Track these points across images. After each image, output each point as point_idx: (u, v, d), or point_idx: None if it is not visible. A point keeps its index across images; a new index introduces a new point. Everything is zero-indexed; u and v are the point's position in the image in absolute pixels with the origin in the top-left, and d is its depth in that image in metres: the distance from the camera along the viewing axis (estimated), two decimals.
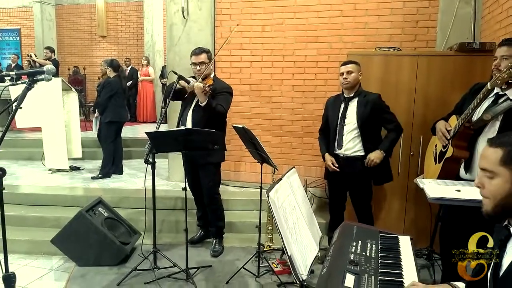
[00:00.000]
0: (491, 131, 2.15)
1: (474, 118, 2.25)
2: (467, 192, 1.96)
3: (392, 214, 3.48)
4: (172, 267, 2.99)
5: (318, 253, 1.94)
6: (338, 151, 3.05)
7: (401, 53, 3.43)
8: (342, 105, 3.04)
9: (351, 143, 3.00)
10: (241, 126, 2.98)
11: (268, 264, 3.10)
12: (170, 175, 4.73)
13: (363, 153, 2.97)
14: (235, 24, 4.43)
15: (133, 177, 4.99)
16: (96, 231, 3.19)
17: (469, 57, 3.15)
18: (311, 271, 2.83)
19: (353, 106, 3.00)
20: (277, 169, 3.07)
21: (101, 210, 3.42)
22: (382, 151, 2.93)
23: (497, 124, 2.15)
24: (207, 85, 3.06)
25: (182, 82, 3.11)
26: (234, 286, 2.89)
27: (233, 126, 3.11)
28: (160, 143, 2.82)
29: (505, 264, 1.14)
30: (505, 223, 1.18)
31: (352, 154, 3.00)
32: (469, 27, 3.66)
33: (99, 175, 4.93)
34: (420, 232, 3.29)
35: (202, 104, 3.07)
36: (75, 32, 11.46)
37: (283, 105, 4.42)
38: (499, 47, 2.21)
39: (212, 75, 3.34)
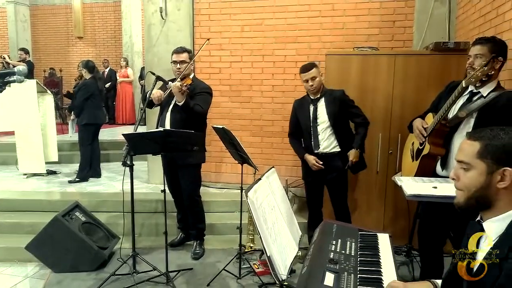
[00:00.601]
0: (466, 128, 2.19)
1: (450, 115, 2.28)
2: (443, 188, 1.99)
3: (371, 212, 3.52)
4: (151, 270, 2.93)
5: (298, 252, 1.94)
6: (316, 151, 3.07)
7: (378, 53, 3.47)
8: (311, 107, 3.07)
9: (327, 142, 3.05)
10: (221, 126, 2.95)
11: (249, 265, 3.08)
12: (150, 178, 4.66)
13: (339, 149, 3.04)
14: (214, 24, 4.41)
15: (111, 180, 4.89)
16: (73, 236, 3.10)
17: (445, 56, 3.22)
18: (293, 271, 2.84)
19: (321, 106, 3.04)
20: (257, 169, 3.05)
21: (78, 215, 3.34)
22: (357, 149, 3.02)
23: (472, 121, 2.19)
24: (185, 84, 3.02)
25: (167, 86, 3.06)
26: None
27: (212, 127, 3.08)
28: (137, 145, 2.77)
29: (478, 259, 1.15)
30: (477, 219, 1.19)
31: (330, 151, 3.05)
32: (444, 27, 3.73)
33: (76, 179, 4.81)
34: (399, 229, 3.34)
35: (180, 104, 3.03)
36: (51, 33, 11.19)
37: (263, 106, 4.41)
38: (472, 46, 2.25)
39: (191, 76, 3.31)
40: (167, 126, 3.16)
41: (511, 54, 2.37)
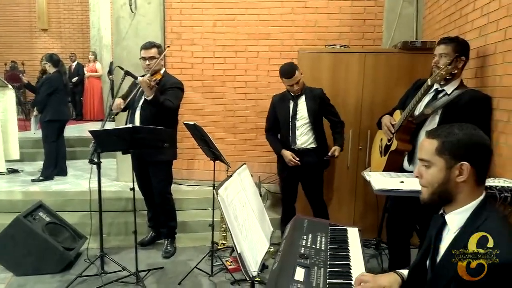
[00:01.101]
0: (432, 124, 2.26)
1: (416, 112, 2.35)
2: (410, 183, 2.04)
3: (342, 207, 3.58)
4: (121, 271, 2.86)
5: (270, 248, 1.94)
6: (293, 146, 3.09)
7: (349, 51, 3.52)
8: (291, 103, 3.09)
9: (304, 137, 3.08)
10: (192, 123, 2.91)
11: (222, 263, 3.06)
12: (119, 176, 4.54)
13: (315, 145, 3.08)
14: (185, 19, 4.34)
15: (78, 179, 4.73)
16: (36, 237, 2.98)
17: (412, 54, 3.30)
18: (265, 266, 2.86)
19: (302, 102, 3.07)
20: (230, 166, 3.03)
21: (42, 215, 3.21)
22: (340, 148, 3.10)
23: (437, 118, 2.27)
24: (153, 79, 2.95)
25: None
26: (187, 286, 2.82)
27: (184, 123, 3.04)
28: (105, 142, 2.69)
29: (442, 250, 1.20)
30: (440, 212, 1.23)
31: (307, 147, 3.08)
32: (412, 26, 3.83)
33: (40, 178, 4.63)
34: (369, 223, 3.42)
35: (149, 99, 2.96)
36: (13, 25, 10.68)
37: (236, 102, 4.39)
38: (437, 46, 2.32)
39: (162, 71, 3.23)
40: (137, 122, 3.08)
41: (473, 53, 2.46)
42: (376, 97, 3.38)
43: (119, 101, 3.05)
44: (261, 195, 2.99)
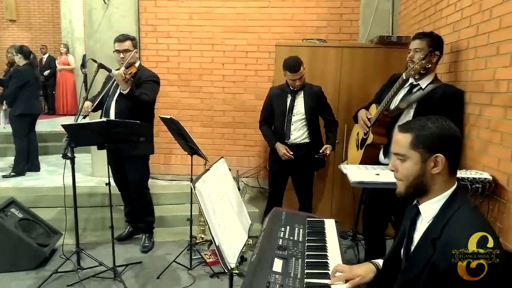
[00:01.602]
0: (407, 118, 2.31)
1: (392, 106, 2.40)
2: (385, 175, 2.09)
3: (321, 200, 3.63)
4: (97, 266, 2.81)
5: (248, 240, 1.95)
6: (286, 141, 3.10)
7: (326, 45, 3.55)
8: (289, 97, 3.08)
9: (299, 132, 3.08)
10: (168, 117, 2.88)
11: (200, 256, 3.05)
12: (94, 171, 4.44)
13: (308, 140, 3.08)
14: (161, 11, 4.26)
15: (51, 174, 4.60)
16: (9, 234, 2.90)
17: (388, 49, 3.36)
18: (244, 259, 2.88)
19: (300, 98, 3.06)
20: (207, 160, 3.02)
21: (14, 211, 3.11)
22: (332, 147, 3.11)
23: (412, 111, 2.32)
24: (129, 72, 2.90)
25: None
26: (166, 280, 2.81)
27: (160, 117, 2.99)
28: (78, 136, 2.62)
29: (416, 239, 1.23)
30: (414, 202, 1.27)
31: (300, 142, 3.08)
32: (388, 21, 3.89)
33: (12, 173, 4.47)
34: (346, 215, 3.48)
35: (124, 92, 2.90)
36: None
37: (213, 96, 4.36)
38: (412, 40, 2.37)
39: (137, 64, 3.17)
40: (112, 116, 3.02)
41: (447, 48, 2.53)
42: (353, 92, 3.43)
43: (87, 104, 2.98)
44: (239, 189, 2.99)
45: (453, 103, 2.29)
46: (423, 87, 2.31)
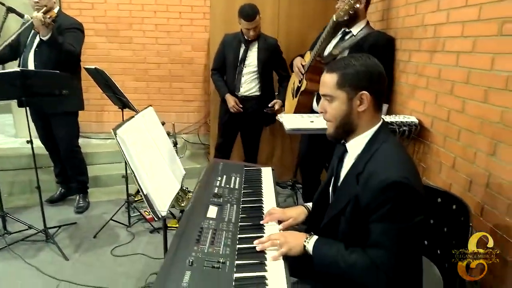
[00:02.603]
0: None
1: (326, 53, 2.40)
2: (319, 122, 2.12)
3: (262, 153, 3.64)
4: (27, 229, 2.65)
5: (188, 194, 1.91)
6: (236, 93, 3.01)
7: None
8: (242, 47, 2.95)
9: (250, 85, 3.00)
10: (93, 67, 2.65)
11: (139, 213, 2.98)
12: (18, 131, 4.06)
13: (259, 93, 3.02)
14: None
15: None
16: None
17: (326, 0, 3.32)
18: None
19: (254, 49, 2.96)
20: (138, 112, 2.86)
21: None
22: (282, 102, 3.02)
23: None
24: (48, 16, 2.59)
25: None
26: (104, 239, 2.72)
27: (84, 68, 2.75)
28: None
29: (342, 175, 1.27)
30: (342, 141, 1.28)
31: (250, 95, 3.01)
32: None
33: None
34: (286, 167, 3.56)
35: (45, 38, 2.60)
36: None
37: (146, 47, 4.10)
38: None
39: (56, 9, 2.84)
40: (31, 68, 2.71)
41: None
42: (291, 41, 3.38)
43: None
44: (176, 144, 2.89)
45: (384, 50, 2.34)
46: (354, 34, 2.33)
